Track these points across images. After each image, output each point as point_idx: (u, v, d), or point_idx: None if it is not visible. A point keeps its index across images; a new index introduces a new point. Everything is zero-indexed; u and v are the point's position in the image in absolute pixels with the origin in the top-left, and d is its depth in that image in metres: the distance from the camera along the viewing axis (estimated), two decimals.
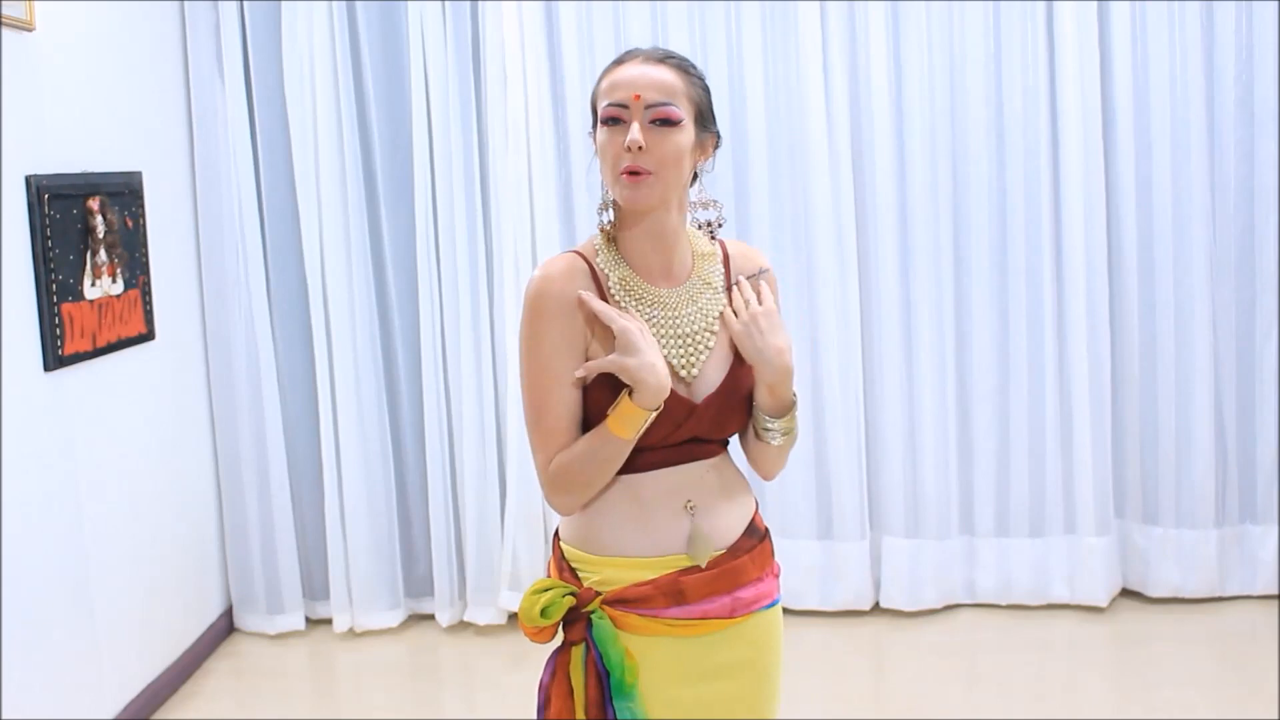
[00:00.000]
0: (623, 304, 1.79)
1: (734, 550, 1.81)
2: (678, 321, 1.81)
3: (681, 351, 1.80)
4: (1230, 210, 4.07)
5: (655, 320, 1.80)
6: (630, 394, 1.72)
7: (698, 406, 1.78)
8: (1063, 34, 3.97)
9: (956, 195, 4.12)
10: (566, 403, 1.77)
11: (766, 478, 1.97)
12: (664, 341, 1.79)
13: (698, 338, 1.81)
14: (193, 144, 4.08)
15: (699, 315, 1.82)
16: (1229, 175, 4.06)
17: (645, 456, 1.78)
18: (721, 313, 1.83)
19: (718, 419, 1.81)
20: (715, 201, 1.87)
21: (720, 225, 1.88)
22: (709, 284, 1.85)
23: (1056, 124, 4.04)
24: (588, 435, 1.76)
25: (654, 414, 1.72)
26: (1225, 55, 4.00)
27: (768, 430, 1.85)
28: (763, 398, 1.84)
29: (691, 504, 1.79)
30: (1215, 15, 3.99)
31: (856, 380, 4.13)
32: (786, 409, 1.85)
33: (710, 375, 1.81)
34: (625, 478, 1.79)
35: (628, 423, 1.72)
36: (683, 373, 1.79)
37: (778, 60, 4.08)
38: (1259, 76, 4.00)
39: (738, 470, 1.90)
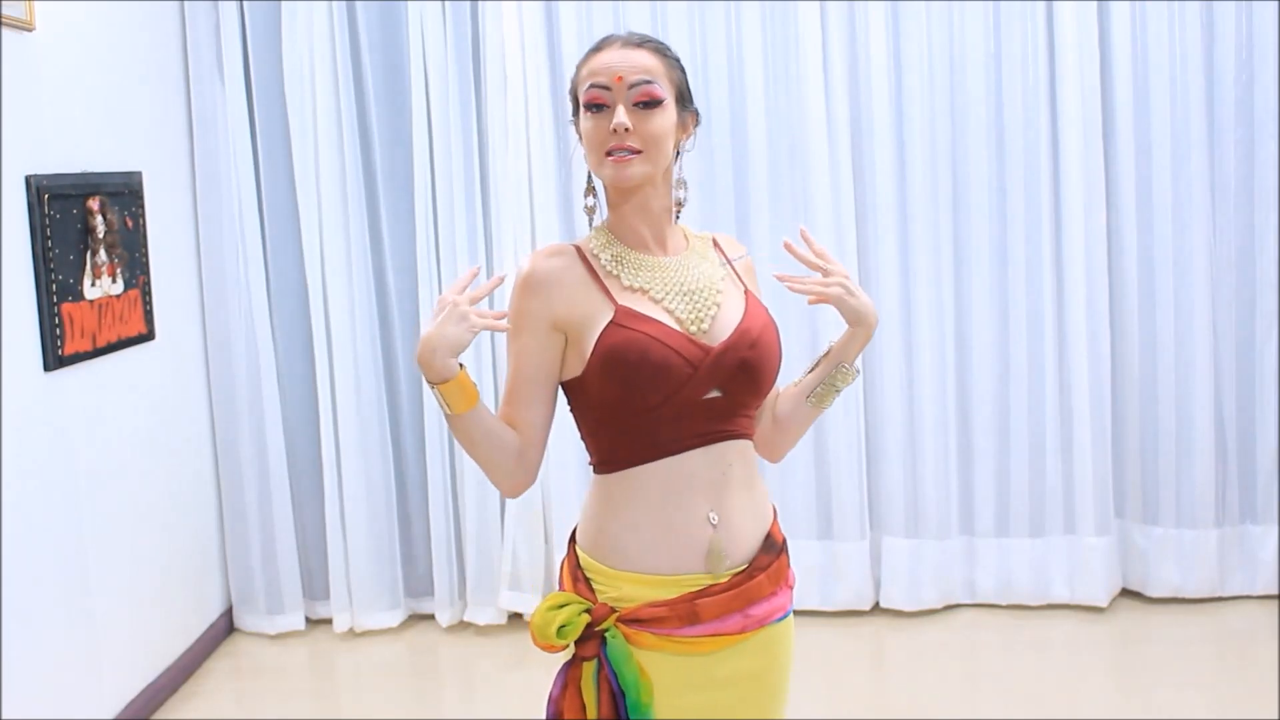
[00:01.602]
0: (620, 274, 1.79)
1: (750, 570, 1.79)
2: (682, 280, 1.80)
3: (689, 306, 1.78)
4: (1230, 210, 4.07)
5: (658, 281, 1.79)
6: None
7: (713, 350, 1.75)
8: (1063, 34, 3.97)
9: (956, 195, 4.12)
10: (525, 380, 1.78)
11: (776, 458, 1.98)
12: (670, 298, 1.78)
13: (704, 294, 1.80)
14: (193, 144, 4.08)
15: (702, 276, 1.82)
16: (1229, 175, 4.06)
17: (674, 427, 1.74)
18: (785, 283, 1.86)
19: (743, 367, 1.77)
20: (682, 181, 1.87)
21: (682, 204, 1.88)
22: (705, 257, 1.86)
23: (1056, 124, 4.04)
24: None
25: (439, 390, 1.71)
26: (1225, 55, 4.00)
27: (842, 379, 1.91)
28: (850, 351, 1.91)
29: (715, 518, 1.77)
30: (1215, 15, 3.99)
31: (856, 380, 4.12)
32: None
33: (722, 328, 1.79)
34: (653, 466, 1.75)
35: (439, 398, 1.73)
36: (693, 327, 1.77)
37: (778, 60, 4.08)
38: (1259, 76, 4.00)
39: (761, 477, 1.88)
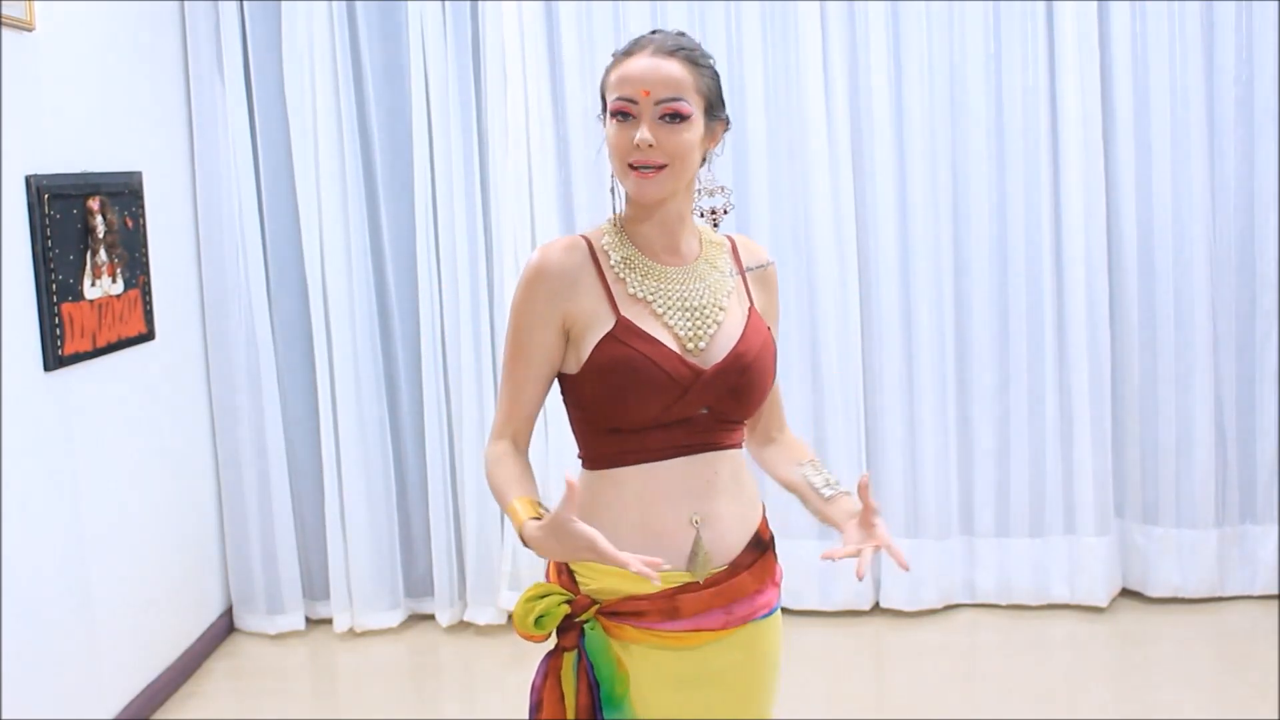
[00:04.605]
0: (626, 280, 1.78)
1: (733, 567, 1.80)
2: (685, 295, 1.80)
3: (689, 323, 1.78)
4: (1230, 210, 4.07)
5: (662, 293, 1.79)
6: (531, 520, 1.67)
7: (705, 372, 1.76)
8: (1063, 34, 3.97)
9: (956, 195, 4.12)
10: (531, 379, 1.79)
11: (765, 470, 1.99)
12: (672, 313, 1.78)
13: (705, 311, 1.79)
14: (193, 144, 4.08)
15: (707, 291, 1.81)
16: (1229, 175, 4.06)
17: (659, 437, 1.76)
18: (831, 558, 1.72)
19: (733, 390, 1.78)
20: (723, 188, 1.86)
21: (726, 212, 1.86)
22: (716, 267, 1.85)
23: (1056, 124, 4.04)
24: (506, 479, 1.76)
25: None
26: (1225, 55, 4.00)
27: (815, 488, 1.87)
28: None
29: (697, 519, 1.78)
30: (1215, 15, 3.99)
31: (856, 380, 4.13)
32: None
33: (718, 349, 1.79)
34: (637, 469, 1.77)
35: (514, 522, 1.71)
36: (690, 344, 1.77)
37: (778, 60, 4.08)
38: (1259, 76, 4.00)
39: (751, 476, 1.88)
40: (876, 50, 4.02)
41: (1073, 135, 4.00)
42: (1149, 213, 4.07)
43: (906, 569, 1.69)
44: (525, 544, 1.65)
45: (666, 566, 1.59)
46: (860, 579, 1.66)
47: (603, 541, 1.56)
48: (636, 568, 1.54)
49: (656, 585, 1.58)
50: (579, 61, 4.04)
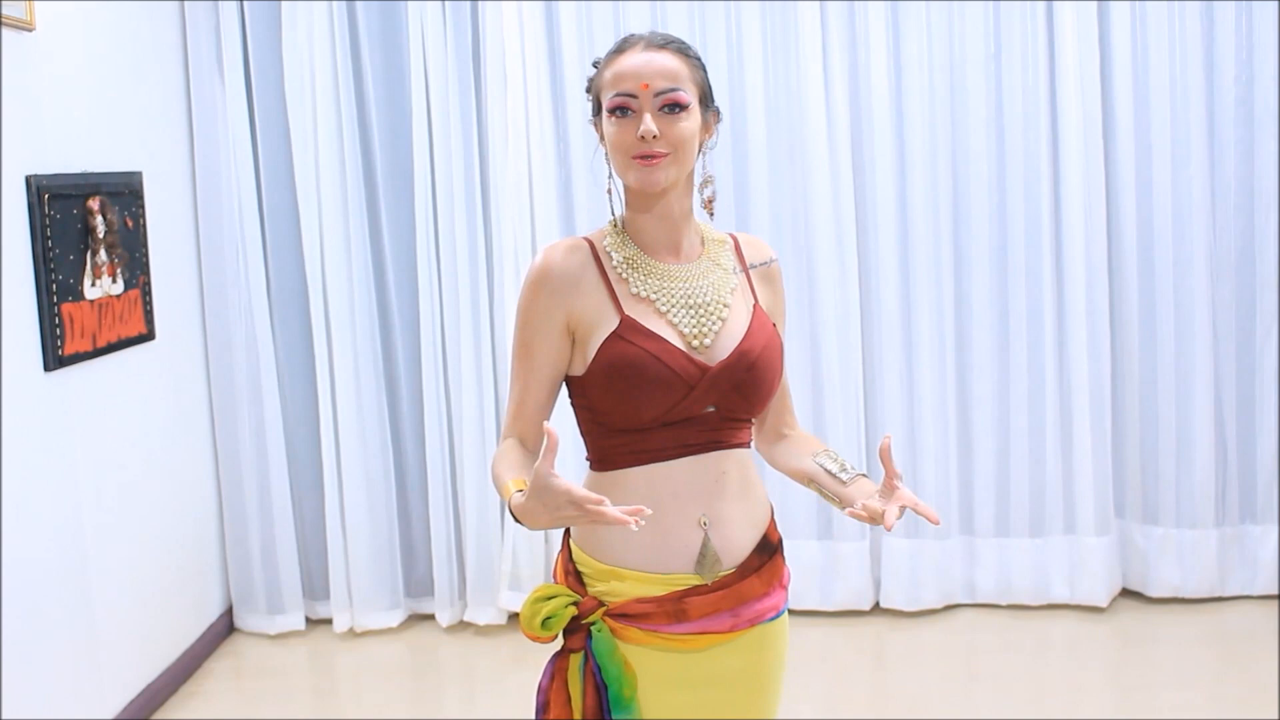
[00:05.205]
0: (629, 280, 1.79)
1: (742, 570, 1.80)
2: (689, 292, 1.80)
3: (693, 320, 1.79)
4: (1230, 210, 4.07)
5: (665, 292, 1.79)
6: (518, 492, 1.65)
7: (711, 369, 1.76)
8: (1063, 34, 3.98)
9: (956, 195, 4.12)
10: (537, 380, 1.80)
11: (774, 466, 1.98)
12: (676, 311, 1.78)
13: (710, 309, 1.80)
14: (193, 144, 4.08)
15: (710, 289, 1.82)
16: (1229, 175, 4.06)
17: (666, 437, 1.76)
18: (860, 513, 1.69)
19: (739, 387, 1.78)
20: (710, 176, 1.87)
21: (713, 199, 1.87)
22: (719, 265, 1.86)
23: (1056, 124, 4.04)
24: (505, 468, 1.72)
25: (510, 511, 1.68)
26: (1225, 55, 4.00)
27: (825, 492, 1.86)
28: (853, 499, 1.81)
29: (705, 520, 1.78)
30: (1215, 15, 3.99)
31: (856, 380, 4.13)
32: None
33: (723, 346, 1.79)
34: (645, 469, 1.77)
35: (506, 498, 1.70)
36: (694, 341, 1.77)
37: (778, 60, 4.08)
38: (1259, 76, 4.00)
39: (759, 477, 1.88)
40: (876, 50, 4.02)
41: (1073, 135, 4.00)
42: (1149, 213, 4.08)
43: (937, 523, 1.66)
44: (516, 519, 1.63)
45: (649, 513, 1.57)
46: (889, 530, 1.65)
47: (579, 490, 1.52)
48: (613, 514, 1.51)
49: (635, 528, 1.53)
50: (579, 61, 4.04)
